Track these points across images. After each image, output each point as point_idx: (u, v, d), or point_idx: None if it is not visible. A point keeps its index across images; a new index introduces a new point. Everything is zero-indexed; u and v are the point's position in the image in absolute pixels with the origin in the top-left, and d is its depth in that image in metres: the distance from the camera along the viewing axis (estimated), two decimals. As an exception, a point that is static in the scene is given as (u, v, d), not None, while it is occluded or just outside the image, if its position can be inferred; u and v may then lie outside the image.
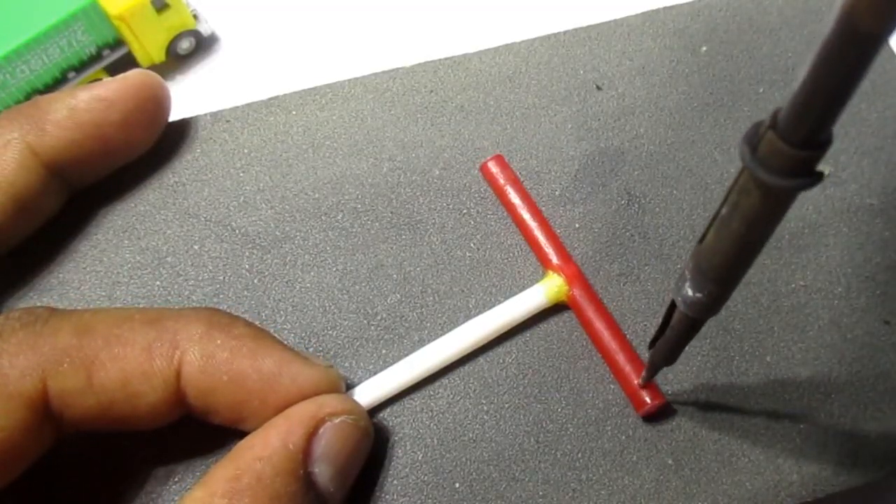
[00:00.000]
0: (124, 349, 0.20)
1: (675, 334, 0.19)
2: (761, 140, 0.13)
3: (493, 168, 0.26)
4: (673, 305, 0.19)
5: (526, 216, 0.25)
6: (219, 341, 0.20)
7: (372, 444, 0.22)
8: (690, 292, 0.17)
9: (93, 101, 0.24)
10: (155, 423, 0.21)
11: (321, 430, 0.20)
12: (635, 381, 0.23)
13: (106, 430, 0.21)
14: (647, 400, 0.22)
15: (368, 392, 0.23)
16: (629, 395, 0.23)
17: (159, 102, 0.26)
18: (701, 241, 0.17)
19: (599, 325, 0.24)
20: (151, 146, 0.26)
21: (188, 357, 0.20)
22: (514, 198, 0.25)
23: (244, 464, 0.19)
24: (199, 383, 0.20)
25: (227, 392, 0.20)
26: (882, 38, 0.11)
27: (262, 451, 0.19)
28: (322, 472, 0.20)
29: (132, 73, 0.25)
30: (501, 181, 0.26)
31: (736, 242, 0.15)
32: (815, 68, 0.12)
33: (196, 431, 0.22)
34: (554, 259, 0.24)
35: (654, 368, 0.22)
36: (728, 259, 0.16)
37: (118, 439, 0.22)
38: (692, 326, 0.19)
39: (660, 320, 0.24)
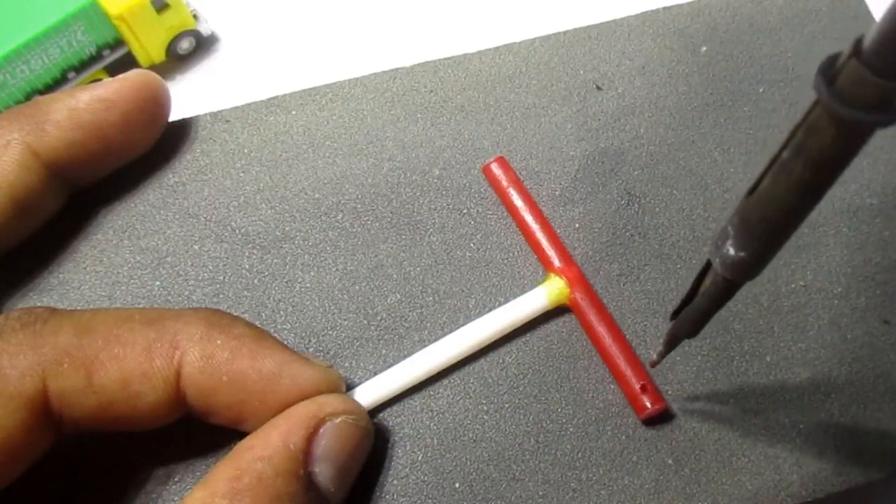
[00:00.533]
0: (124, 349, 0.20)
1: (706, 300, 0.18)
2: (841, 71, 0.12)
3: (496, 170, 0.26)
4: (704, 271, 0.17)
5: (528, 218, 0.25)
6: (219, 342, 0.20)
7: (372, 444, 0.22)
8: (732, 251, 0.16)
9: (93, 101, 0.24)
10: (155, 423, 0.21)
11: (322, 430, 0.20)
12: (636, 386, 0.23)
13: (106, 431, 0.21)
14: (648, 404, 0.22)
15: (369, 393, 0.23)
16: (630, 400, 0.23)
17: (159, 103, 0.26)
18: (750, 192, 0.15)
19: (601, 328, 0.24)
20: (151, 146, 0.26)
21: (188, 357, 0.20)
22: (517, 199, 0.25)
23: (245, 464, 0.19)
24: (199, 384, 0.20)
25: (227, 392, 0.20)
26: None
27: (263, 451, 0.19)
28: (322, 471, 0.20)
29: (132, 74, 0.25)
30: (504, 183, 0.26)
31: (798, 190, 0.14)
32: None
33: (196, 432, 0.22)
34: (556, 262, 0.24)
35: (674, 341, 0.20)
36: (786, 210, 0.15)
37: (118, 439, 0.22)
38: (727, 291, 0.17)
39: (658, 318, 0.24)
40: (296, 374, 0.21)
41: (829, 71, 0.13)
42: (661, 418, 0.23)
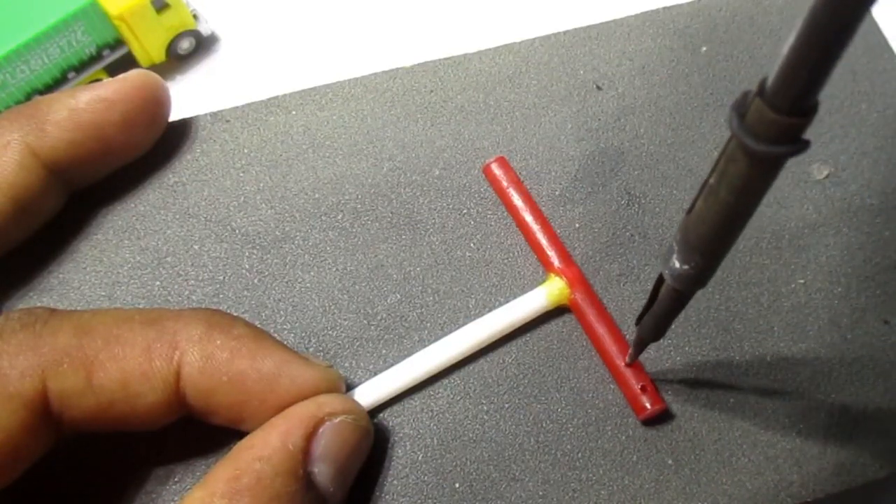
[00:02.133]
0: (124, 349, 0.20)
1: (662, 308, 0.19)
2: (749, 108, 0.14)
3: (496, 170, 0.26)
4: (661, 280, 0.19)
5: (528, 218, 0.25)
6: (218, 342, 0.20)
7: (372, 444, 0.22)
8: (678, 264, 0.17)
9: (93, 101, 0.24)
10: (154, 423, 0.21)
11: (321, 430, 0.20)
12: (636, 387, 0.23)
13: (106, 431, 0.21)
14: (648, 405, 0.22)
15: (368, 393, 0.23)
16: (629, 400, 0.23)
17: (160, 103, 0.26)
18: (689, 211, 0.17)
19: (601, 328, 0.24)
20: (151, 146, 0.26)
21: (188, 358, 0.20)
22: (517, 200, 0.25)
23: (244, 464, 0.19)
24: (199, 384, 0.20)
25: (227, 393, 0.20)
26: (867, 4, 0.11)
27: (262, 451, 0.19)
28: (322, 471, 0.20)
29: (132, 74, 0.25)
30: (504, 183, 0.26)
31: (723, 212, 0.16)
32: (802, 35, 0.12)
33: (195, 432, 0.22)
34: (556, 262, 0.24)
35: (641, 344, 0.22)
36: (715, 229, 0.16)
37: (118, 439, 0.22)
38: (679, 300, 0.19)
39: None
40: (295, 375, 0.21)
41: (741, 107, 0.14)
42: (660, 418, 0.23)
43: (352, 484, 0.21)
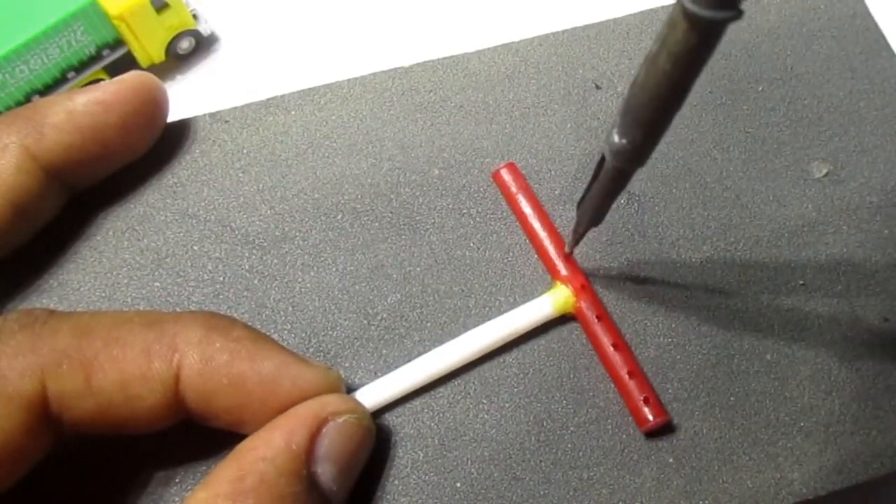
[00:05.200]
0: (123, 351, 0.20)
1: (601, 189, 0.20)
2: None
3: (506, 176, 0.26)
4: (601, 163, 0.19)
5: (536, 226, 0.25)
6: (217, 344, 0.20)
7: (374, 444, 0.22)
8: (617, 138, 0.18)
9: (91, 103, 0.24)
10: (153, 426, 0.20)
11: (324, 430, 0.20)
12: (639, 398, 0.23)
13: (105, 434, 0.21)
14: (650, 417, 0.22)
15: (370, 395, 0.23)
16: (632, 412, 0.23)
17: (158, 104, 0.25)
18: (633, 83, 0.17)
19: (605, 339, 0.23)
20: (150, 147, 0.26)
21: (187, 360, 0.20)
22: (526, 207, 0.25)
23: (247, 464, 0.19)
24: (199, 386, 0.20)
25: (227, 395, 0.20)
26: None
27: (266, 451, 0.19)
28: (325, 471, 0.20)
29: (130, 76, 0.25)
30: (513, 189, 0.26)
31: (662, 82, 0.16)
32: None
33: (197, 433, 0.22)
34: (563, 271, 0.24)
35: (581, 228, 0.22)
36: (654, 100, 0.16)
37: (118, 441, 0.22)
38: (618, 179, 0.19)
39: (658, 318, 0.24)
40: (295, 376, 0.21)
41: None
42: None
43: (354, 483, 0.21)
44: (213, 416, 0.21)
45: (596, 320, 0.24)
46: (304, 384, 0.21)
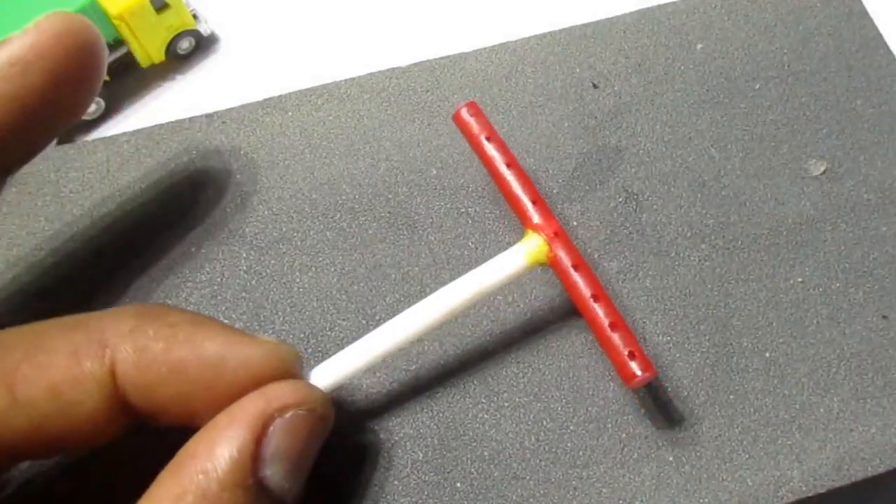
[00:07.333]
0: (48, 356, 0.18)
1: None
2: None
3: (466, 116, 0.24)
4: None
5: (504, 171, 0.23)
6: (151, 332, 0.18)
7: (331, 426, 0.20)
8: None
9: (5, 67, 0.20)
10: (100, 436, 0.19)
11: (271, 429, 0.18)
12: (624, 352, 0.21)
13: (48, 456, 0.19)
14: (637, 372, 0.21)
15: (329, 373, 0.21)
16: (616, 367, 0.21)
17: (89, 50, 0.21)
18: None
19: (585, 290, 0.22)
20: (148, 149, 0.26)
21: (120, 354, 0.18)
22: (491, 150, 0.23)
23: (187, 479, 0.17)
24: (137, 380, 0.18)
25: (170, 385, 0.18)
26: None
27: (206, 461, 0.17)
28: (275, 472, 0.18)
29: (47, 21, 0.20)
30: (475, 131, 0.23)
31: None
32: None
33: (149, 440, 0.20)
34: (535, 218, 0.23)
35: None
36: None
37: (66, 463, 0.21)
38: None
39: (657, 316, 0.24)
40: (243, 356, 0.19)
41: None
42: (660, 416, 0.23)
43: (309, 472, 0.19)
44: (161, 410, 0.19)
45: (573, 270, 0.22)
46: (254, 364, 0.19)
